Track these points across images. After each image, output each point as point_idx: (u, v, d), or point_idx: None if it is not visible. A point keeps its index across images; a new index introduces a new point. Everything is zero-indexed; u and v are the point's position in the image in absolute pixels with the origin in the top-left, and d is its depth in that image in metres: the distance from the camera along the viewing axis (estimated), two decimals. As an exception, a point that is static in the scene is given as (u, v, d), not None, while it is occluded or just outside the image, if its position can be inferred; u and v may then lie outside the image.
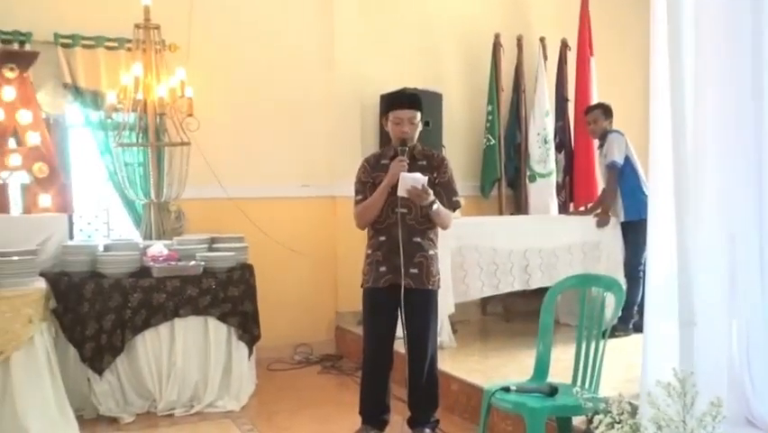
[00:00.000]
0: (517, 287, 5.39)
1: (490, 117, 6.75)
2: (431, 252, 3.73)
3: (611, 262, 5.61)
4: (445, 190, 3.72)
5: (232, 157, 5.86)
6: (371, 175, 3.74)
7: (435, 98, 6.28)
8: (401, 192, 3.51)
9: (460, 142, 6.80)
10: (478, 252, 5.22)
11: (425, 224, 3.69)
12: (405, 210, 3.66)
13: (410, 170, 3.59)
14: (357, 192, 3.76)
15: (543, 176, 6.75)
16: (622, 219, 5.64)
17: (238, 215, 5.72)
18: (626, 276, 5.50)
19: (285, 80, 6.11)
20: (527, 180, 6.83)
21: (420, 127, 3.74)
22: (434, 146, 6.32)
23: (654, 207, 2.73)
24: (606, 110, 5.81)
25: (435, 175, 3.69)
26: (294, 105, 6.14)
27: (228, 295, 4.65)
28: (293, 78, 6.14)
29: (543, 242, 5.45)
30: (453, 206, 3.76)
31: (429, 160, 3.74)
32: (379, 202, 3.65)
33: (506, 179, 6.89)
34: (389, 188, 3.61)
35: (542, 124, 6.80)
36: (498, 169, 6.74)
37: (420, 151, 3.76)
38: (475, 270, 5.20)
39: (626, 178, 5.60)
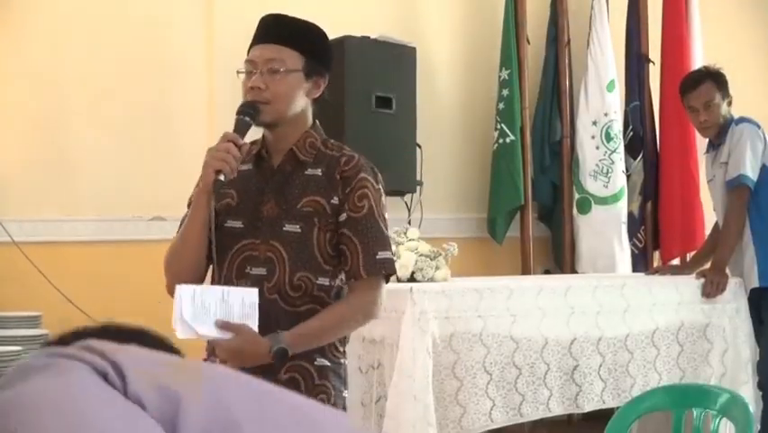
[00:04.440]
0: (558, 410, 5.34)
1: (506, 92, 6.79)
2: (322, 361, 3.43)
3: (730, 363, 5.63)
4: (359, 236, 3.42)
5: (20, 167, 5.83)
6: (220, 190, 3.44)
7: (405, 56, 6.35)
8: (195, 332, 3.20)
9: (449, 139, 6.89)
10: (483, 344, 5.11)
11: (312, 300, 3.41)
12: (262, 271, 3.39)
13: (287, 186, 3.37)
14: (182, 223, 3.55)
15: (604, 201, 6.86)
16: (754, 284, 5.67)
17: (30, 273, 5.65)
18: (759, 387, 5.55)
19: (129, 28, 6.10)
20: (575, 210, 6.95)
21: (304, 86, 3.43)
22: (402, 144, 6.25)
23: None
24: (720, 81, 5.82)
25: (338, 201, 3.40)
26: (142, 73, 6.14)
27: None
28: (141, 24, 6.13)
29: (605, 325, 5.42)
30: (375, 269, 3.43)
31: (330, 165, 3.45)
32: (190, 239, 3.41)
33: (535, 208, 6.99)
34: (209, 207, 3.32)
35: (601, 105, 6.91)
36: (521, 189, 6.81)
37: (312, 146, 3.47)
38: (479, 378, 5.09)
39: (762, 206, 5.65)
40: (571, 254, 6.97)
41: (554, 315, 5.30)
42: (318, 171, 3.39)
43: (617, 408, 4.08)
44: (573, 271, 6.92)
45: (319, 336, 3.36)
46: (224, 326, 3.14)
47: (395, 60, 6.07)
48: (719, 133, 5.75)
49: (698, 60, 6.81)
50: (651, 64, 7.12)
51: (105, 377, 1.25)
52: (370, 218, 3.40)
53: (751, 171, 5.57)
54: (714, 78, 5.79)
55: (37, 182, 5.89)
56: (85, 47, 5.97)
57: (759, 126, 5.68)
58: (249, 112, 3.32)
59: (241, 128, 3.30)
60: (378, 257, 3.39)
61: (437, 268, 5.17)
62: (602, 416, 4.53)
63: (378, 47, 6.15)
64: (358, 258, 3.37)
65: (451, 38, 6.98)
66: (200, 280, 3.44)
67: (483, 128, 6.96)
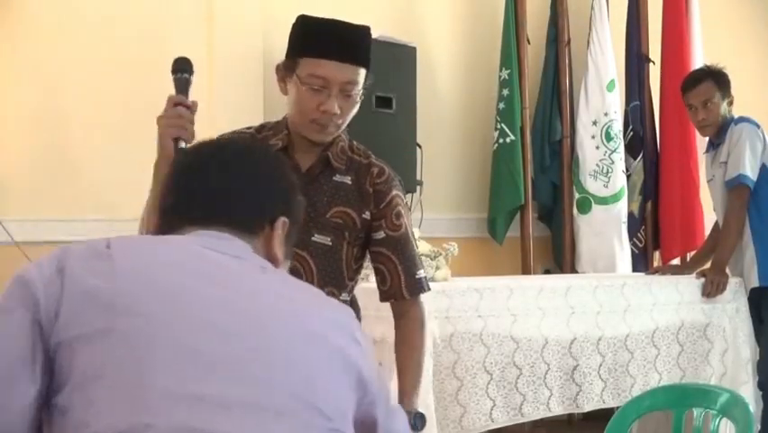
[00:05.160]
0: (558, 410, 5.33)
1: (506, 92, 6.78)
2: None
3: (730, 363, 5.64)
4: (399, 256, 3.33)
5: (20, 167, 5.80)
6: None
7: (405, 56, 6.32)
8: None
9: (449, 139, 6.89)
10: (484, 344, 5.10)
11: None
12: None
13: (315, 192, 3.20)
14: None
15: (604, 201, 6.85)
16: (754, 284, 5.67)
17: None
18: (759, 387, 5.54)
19: (129, 28, 6.07)
20: (575, 210, 6.94)
21: (357, 104, 3.36)
22: (402, 144, 6.23)
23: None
24: (720, 81, 5.81)
25: (369, 216, 3.29)
26: (143, 73, 6.05)
27: None
28: (141, 24, 6.11)
29: (605, 325, 5.42)
30: (417, 290, 3.38)
31: (359, 174, 3.34)
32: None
33: (535, 208, 6.98)
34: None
35: (601, 105, 6.91)
36: (521, 189, 6.80)
37: (343, 151, 3.35)
38: (479, 378, 5.07)
39: (762, 206, 5.65)
40: (572, 254, 6.95)
41: (554, 315, 5.29)
42: (347, 180, 3.28)
43: (617, 408, 4.07)
44: (573, 270, 6.90)
45: (421, 373, 3.28)
46: None
47: (395, 60, 6.02)
48: (719, 133, 5.74)
49: (698, 60, 6.79)
50: (651, 64, 7.10)
51: None
52: (407, 237, 3.34)
53: (750, 171, 5.56)
54: (714, 78, 5.78)
55: (37, 182, 5.84)
56: (85, 47, 5.93)
57: (759, 126, 5.67)
58: (185, 68, 3.12)
59: (183, 88, 3.08)
60: (416, 277, 3.35)
61: (437, 268, 5.16)
62: (602, 416, 4.52)
63: (378, 47, 6.04)
64: (399, 279, 3.31)
65: (451, 38, 6.96)
66: None
67: (483, 128, 6.94)
